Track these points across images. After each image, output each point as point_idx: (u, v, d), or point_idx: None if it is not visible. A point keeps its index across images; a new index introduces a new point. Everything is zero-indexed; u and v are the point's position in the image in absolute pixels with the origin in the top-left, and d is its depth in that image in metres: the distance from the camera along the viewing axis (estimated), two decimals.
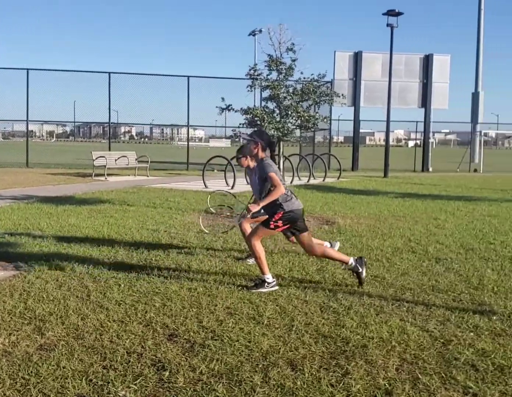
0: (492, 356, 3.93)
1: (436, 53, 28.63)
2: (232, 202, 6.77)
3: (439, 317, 4.79)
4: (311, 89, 10.33)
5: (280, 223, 5.63)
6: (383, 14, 22.79)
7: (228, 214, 7.26)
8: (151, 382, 3.49)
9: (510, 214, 11.43)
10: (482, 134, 34.08)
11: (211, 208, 8.29)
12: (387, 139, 25.00)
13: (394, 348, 4.09)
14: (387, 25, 22.94)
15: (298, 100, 10.33)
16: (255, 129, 5.95)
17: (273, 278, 5.63)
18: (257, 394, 3.34)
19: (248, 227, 6.48)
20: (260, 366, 3.74)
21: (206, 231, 8.44)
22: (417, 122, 30.80)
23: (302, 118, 10.39)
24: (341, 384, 3.49)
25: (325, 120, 11.40)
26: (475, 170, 29.94)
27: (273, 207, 5.62)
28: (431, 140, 31.23)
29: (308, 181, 19.22)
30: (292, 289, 5.54)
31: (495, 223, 10.04)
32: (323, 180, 20.04)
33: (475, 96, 33.44)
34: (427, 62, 28.48)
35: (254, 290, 5.47)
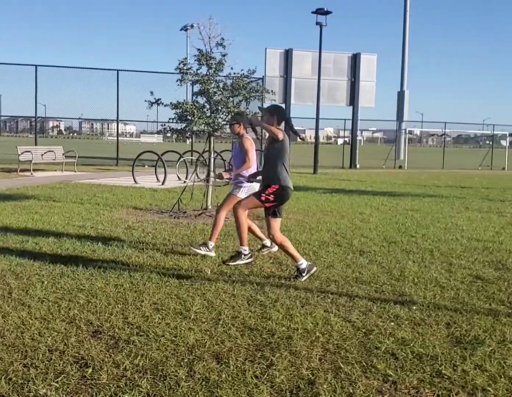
0: (411, 344, 4.08)
1: (363, 52, 29.30)
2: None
3: (361, 307, 4.93)
4: (241, 85, 10.35)
5: (271, 197, 5.71)
6: (313, 12, 23.12)
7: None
8: (73, 380, 3.42)
9: (432, 208, 11.89)
10: (407, 132, 35.23)
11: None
12: (316, 137, 25.43)
13: (318, 339, 4.18)
14: (316, 23, 23.29)
15: (228, 95, 10.32)
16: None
17: (249, 251, 5.80)
18: (181, 388, 3.33)
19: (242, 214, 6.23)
20: (185, 360, 3.73)
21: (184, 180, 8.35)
22: (345, 120, 31.49)
23: (233, 114, 10.41)
24: (265, 376, 3.54)
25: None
26: (400, 167, 30.92)
27: (271, 178, 5.73)
28: (359, 137, 32.02)
29: None
30: (221, 283, 5.55)
31: (417, 217, 10.42)
32: None
33: (400, 95, 34.56)
34: (354, 61, 29.10)
35: (230, 263, 5.56)
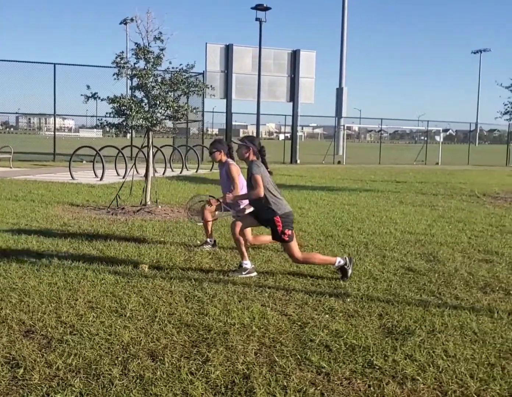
0: (345, 336, 4.17)
1: (303, 49, 29.62)
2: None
3: (298, 301, 5.00)
4: (180, 80, 10.27)
5: (287, 230, 5.68)
6: (252, 8, 23.20)
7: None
8: (4, 380, 3.33)
9: (368, 202, 12.16)
10: (345, 128, 35.86)
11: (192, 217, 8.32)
12: (257, 132, 25.57)
13: (254, 333, 4.21)
14: (256, 19, 23.38)
15: (167, 90, 10.22)
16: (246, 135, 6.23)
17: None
18: (115, 387, 3.29)
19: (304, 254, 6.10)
20: (119, 358, 3.69)
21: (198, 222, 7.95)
22: (285, 116, 31.73)
23: (171, 109, 10.32)
24: (200, 372, 3.54)
25: (194, 111, 11.41)
26: (339, 162, 31.47)
27: (267, 211, 5.71)
28: (299, 133, 32.36)
29: (181, 172, 19.17)
30: (158, 280, 5.51)
31: (354, 211, 10.63)
32: (196, 171, 20.09)
33: (339, 92, 35.11)
34: (294, 58, 29.39)
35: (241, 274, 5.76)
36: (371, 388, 3.37)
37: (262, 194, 5.62)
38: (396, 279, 5.80)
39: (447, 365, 3.69)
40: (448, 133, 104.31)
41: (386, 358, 3.79)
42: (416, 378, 3.50)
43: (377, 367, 3.65)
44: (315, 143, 74.90)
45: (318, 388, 3.37)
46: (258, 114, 24.72)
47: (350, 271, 5.81)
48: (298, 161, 30.20)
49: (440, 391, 3.35)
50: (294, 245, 5.78)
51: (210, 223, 7.19)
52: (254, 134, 25.94)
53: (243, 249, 5.95)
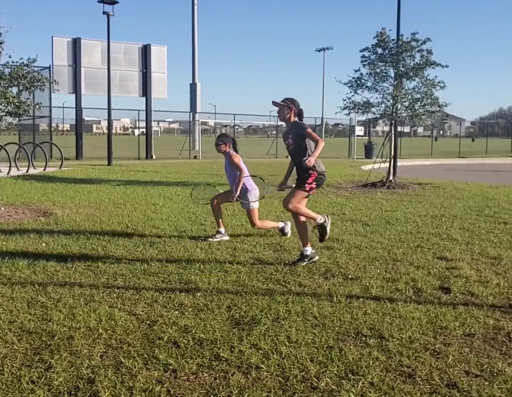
0: (193, 331, 4.20)
1: (154, 44, 29.35)
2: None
3: (147, 299, 4.95)
4: (21, 74, 9.72)
5: (314, 184, 6.15)
6: (99, 1, 22.59)
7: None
8: None
9: None
10: (200, 123, 36.05)
11: (198, 200, 9.13)
12: (109, 127, 24.88)
13: (100, 336, 4.11)
14: (103, 13, 22.79)
15: (6, 85, 9.63)
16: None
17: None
18: None
19: (298, 206, 6.35)
20: None
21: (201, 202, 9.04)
22: (139, 111, 31.22)
23: (12, 105, 9.74)
24: (42, 379, 3.39)
25: (37, 106, 10.86)
26: (195, 157, 31.61)
27: (306, 169, 6.00)
28: (155, 128, 32.08)
29: (27, 171, 18.16)
30: None
31: (208, 205, 10.68)
32: (44, 170, 19.12)
33: (192, 87, 35.20)
34: (145, 52, 29.03)
35: (301, 263, 6.15)
36: (217, 380, 3.43)
37: (324, 144, 5.94)
38: (245, 270, 5.95)
39: (289, 351, 3.85)
40: None
41: (232, 349, 3.87)
42: (260, 366, 3.61)
43: (224, 359, 3.72)
44: (172, 138, 74.47)
45: (165, 385, 3.36)
46: (109, 109, 24.01)
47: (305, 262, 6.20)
48: (154, 157, 29.90)
49: (282, 377, 3.49)
50: (300, 195, 6.20)
51: (221, 214, 7.89)
52: (106, 130, 25.21)
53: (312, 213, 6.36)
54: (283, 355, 3.79)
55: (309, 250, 6.27)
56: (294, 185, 6.35)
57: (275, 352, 3.83)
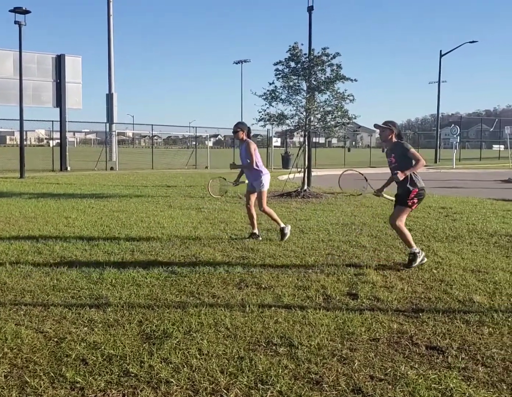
0: (103, 347, 4.13)
1: (68, 54, 28.67)
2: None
3: (56, 316, 4.82)
4: None
5: (415, 200, 6.64)
6: (10, 11, 21.89)
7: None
8: None
9: (137, 208, 12.18)
10: (116, 133, 35.43)
11: (216, 192, 9.95)
12: (21, 139, 23.97)
13: (5, 355, 3.97)
14: (15, 22, 22.08)
15: None
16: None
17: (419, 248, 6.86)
18: None
19: (402, 224, 6.86)
20: None
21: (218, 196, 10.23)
22: (53, 121, 30.28)
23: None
24: None
25: None
26: (112, 168, 30.98)
27: (408, 184, 6.56)
28: (71, 139, 31.27)
29: None
30: None
31: (123, 218, 10.56)
32: None
33: (109, 98, 34.57)
34: (59, 62, 28.29)
35: (413, 265, 6.57)
36: (126, 396, 3.39)
37: (425, 163, 6.62)
38: (159, 283, 5.91)
39: (200, 364, 3.86)
40: (217, 138, 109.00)
41: (142, 364, 3.84)
42: (170, 380, 3.60)
43: (133, 374, 3.68)
44: (89, 149, 72.74)
45: None
46: (21, 119, 23.14)
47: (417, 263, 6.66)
48: (69, 168, 29.06)
49: (192, 390, 3.50)
50: (405, 212, 6.71)
51: (254, 217, 8.57)
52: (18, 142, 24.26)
53: (409, 237, 6.75)
54: (194, 368, 3.80)
55: (417, 249, 6.77)
56: (393, 199, 6.93)
57: (185, 365, 3.83)
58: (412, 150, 6.65)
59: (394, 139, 6.83)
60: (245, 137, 8.45)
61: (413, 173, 6.64)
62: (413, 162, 6.59)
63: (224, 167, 33.42)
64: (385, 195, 7.09)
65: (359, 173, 7.57)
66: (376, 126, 6.99)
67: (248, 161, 8.34)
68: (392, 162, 6.82)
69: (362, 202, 13.66)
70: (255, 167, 8.36)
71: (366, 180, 7.28)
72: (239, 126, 8.48)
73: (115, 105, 35.20)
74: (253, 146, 8.37)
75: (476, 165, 41.80)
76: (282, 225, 8.54)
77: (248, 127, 8.60)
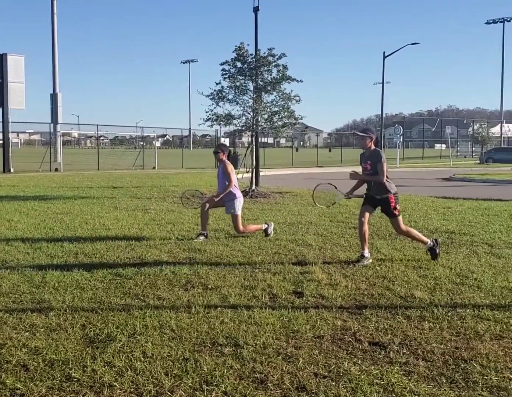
0: (44, 352, 4.04)
1: (10, 53, 27.91)
2: None
3: None
4: None
5: (397, 206, 6.96)
6: None
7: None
8: None
9: (82, 210, 11.95)
10: (61, 134, 34.67)
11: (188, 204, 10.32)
12: None
13: None
14: None
15: None
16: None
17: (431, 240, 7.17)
18: None
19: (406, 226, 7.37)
20: None
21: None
22: None
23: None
24: None
25: None
26: (56, 169, 30.30)
27: (383, 191, 6.85)
28: (15, 140, 30.36)
29: None
30: None
31: (67, 220, 10.34)
32: None
33: (53, 98, 33.81)
34: (1, 62, 27.52)
35: (437, 258, 7.02)
36: None
37: (383, 180, 6.78)
38: (103, 286, 5.82)
39: (144, 367, 3.82)
40: (165, 138, 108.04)
41: (85, 368, 3.77)
42: (113, 384, 3.56)
43: (75, 379, 3.62)
44: (33, 150, 70.70)
45: None
46: None
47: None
48: (12, 170, 28.26)
49: (136, 393, 3.47)
50: (400, 219, 6.99)
51: (207, 217, 8.71)
52: None
53: (419, 234, 7.14)
54: (138, 371, 3.76)
55: (430, 243, 7.06)
56: (362, 195, 7.17)
57: (129, 369, 3.79)
58: (383, 163, 6.85)
59: (373, 147, 7.04)
60: (224, 158, 8.65)
61: (387, 180, 6.89)
62: (384, 170, 6.86)
63: (171, 167, 33.23)
64: (355, 195, 7.31)
65: (328, 183, 7.71)
66: (355, 134, 7.33)
67: (226, 181, 8.44)
68: (367, 169, 7.04)
69: (309, 201, 13.80)
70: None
71: (336, 188, 7.44)
72: (221, 148, 8.76)
73: (59, 105, 34.43)
74: (230, 167, 8.55)
75: (418, 164, 42.95)
76: (264, 226, 8.79)
77: (229, 149, 9.01)
